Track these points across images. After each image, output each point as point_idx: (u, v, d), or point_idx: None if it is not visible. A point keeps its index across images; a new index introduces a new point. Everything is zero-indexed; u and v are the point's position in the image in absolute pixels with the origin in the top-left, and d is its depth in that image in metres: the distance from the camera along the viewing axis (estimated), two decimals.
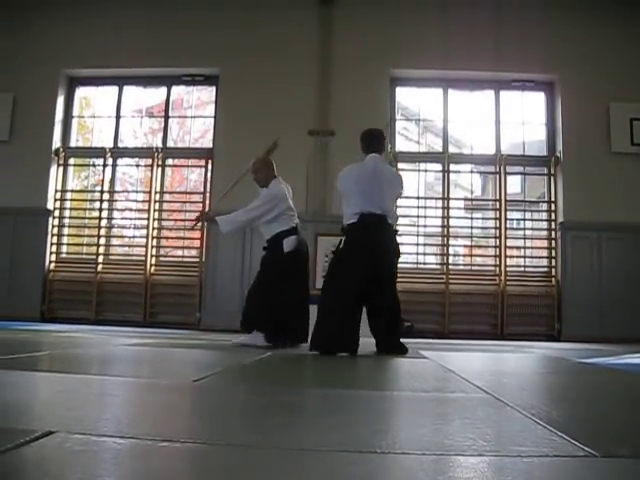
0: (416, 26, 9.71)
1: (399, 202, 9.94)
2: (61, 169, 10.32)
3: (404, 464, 1.37)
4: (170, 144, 10.58)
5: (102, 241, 10.28)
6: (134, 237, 10.54)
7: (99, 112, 10.89)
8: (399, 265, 5.75)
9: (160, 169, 10.27)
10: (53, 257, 10.13)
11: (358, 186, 5.22)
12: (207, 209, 8.96)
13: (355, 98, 9.60)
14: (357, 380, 3.36)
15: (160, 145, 10.39)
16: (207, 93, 10.76)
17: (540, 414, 2.01)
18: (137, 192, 10.83)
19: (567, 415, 2.15)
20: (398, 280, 9.58)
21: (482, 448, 1.50)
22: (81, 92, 10.78)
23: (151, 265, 9.95)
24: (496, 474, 1.30)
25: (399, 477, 1.27)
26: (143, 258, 9.96)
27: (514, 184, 10.56)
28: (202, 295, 9.55)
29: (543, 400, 2.65)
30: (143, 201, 10.41)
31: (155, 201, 10.14)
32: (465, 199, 10.74)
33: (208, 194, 9.99)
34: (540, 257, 10.10)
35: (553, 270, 9.64)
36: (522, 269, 9.95)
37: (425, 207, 10.11)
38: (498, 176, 9.89)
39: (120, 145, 10.62)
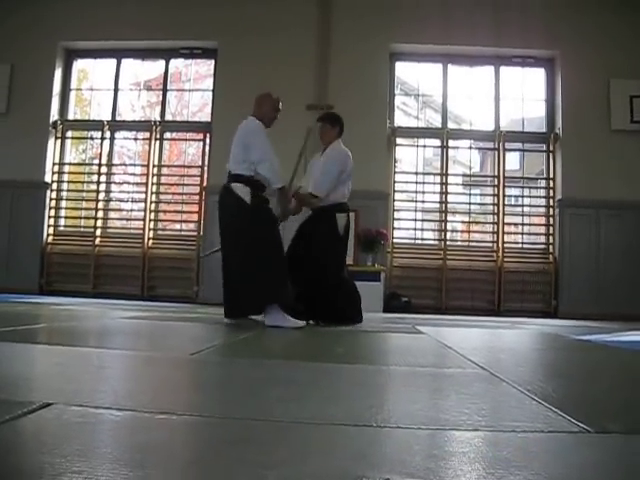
0: (416, 0, 9.63)
1: (398, 177, 9.96)
2: (59, 142, 10.29)
3: (400, 438, 1.38)
4: (168, 117, 10.54)
5: (100, 214, 10.28)
6: (132, 211, 10.53)
7: (97, 85, 10.83)
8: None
9: (158, 142, 10.24)
10: (51, 230, 10.12)
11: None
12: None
13: (354, 73, 9.56)
14: (353, 354, 3.37)
15: (158, 118, 10.35)
16: (205, 66, 10.70)
17: (536, 390, 2.02)
18: (135, 165, 10.80)
19: (562, 391, 2.16)
20: (396, 255, 9.63)
21: (477, 423, 1.52)
22: (79, 64, 10.71)
23: (149, 239, 9.96)
24: (491, 449, 1.31)
25: (395, 451, 1.28)
26: (141, 231, 9.96)
27: (513, 160, 10.54)
28: (200, 269, 9.56)
29: (539, 376, 2.66)
30: (141, 174, 10.39)
31: (153, 175, 10.12)
32: (463, 175, 10.73)
33: (206, 168, 9.98)
34: (538, 234, 10.11)
35: (551, 247, 9.66)
36: (520, 246, 9.96)
37: (423, 183, 10.11)
38: (497, 152, 9.88)
39: (118, 118, 10.57)
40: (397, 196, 9.87)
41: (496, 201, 9.76)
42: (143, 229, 9.95)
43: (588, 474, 1.16)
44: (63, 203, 10.50)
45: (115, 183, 10.73)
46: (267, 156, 5.15)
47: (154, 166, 10.14)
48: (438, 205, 9.96)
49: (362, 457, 1.19)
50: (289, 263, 5.09)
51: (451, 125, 10.26)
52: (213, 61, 10.29)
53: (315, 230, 5.52)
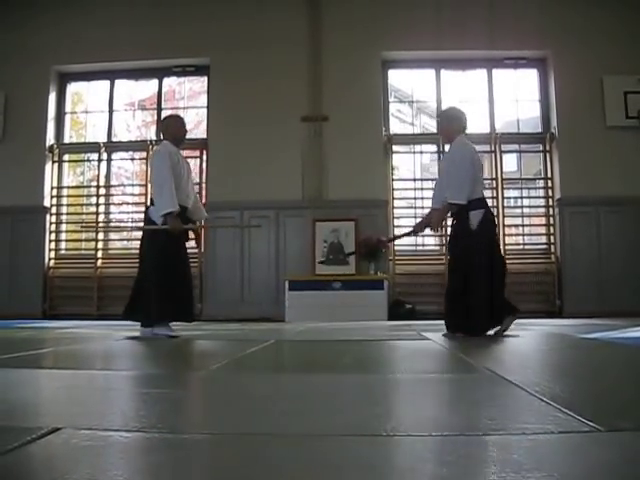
0: (407, 7, 9.66)
1: (396, 185, 9.98)
2: (56, 166, 10.31)
3: (410, 446, 1.37)
4: None
5: (100, 236, 10.28)
6: (132, 231, 10.53)
7: (91, 107, 10.86)
8: None
9: None
10: (52, 254, 10.13)
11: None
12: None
13: (347, 82, 9.60)
14: (360, 364, 3.36)
15: (154, 138, 10.36)
16: (199, 83, 10.74)
17: (544, 391, 2.01)
18: (133, 186, 10.82)
19: (571, 391, 2.15)
20: (398, 262, 9.62)
21: (487, 427, 1.51)
22: (72, 88, 10.75)
23: None
24: (501, 452, 1.30)
25: (405, 459, 1.28)
26: None
27: (510, 162, 10.55)
28: (203, 286, 9.55)
29: (546, 377, 2.65)
30: (140, 194, 10.40)
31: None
32: None
33: (204, 184, 9.99)
34: (539, 234, 10.10)
35: (552, 247, 9.65)
36: (521, 247, 9.96)
37: (422, 189, 10.10)
38: (494, 155, 9.88)
39: (114, 139, 10.60)
40: (396, 203, 9.88)
41: (495, 203, 9.74)
42: None
43: (600, 473, 1.16)
44: (63, 227, 10.51)
45: (114, 204, 10.74)
46: (158, 181, 5.27)
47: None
48: None
49: (373, 467, 1.18)
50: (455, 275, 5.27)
51: None
52: (206, 78, 10.33)
53: (454, 235, 5.40)
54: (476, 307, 4.99)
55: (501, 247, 9.60)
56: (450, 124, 5.45)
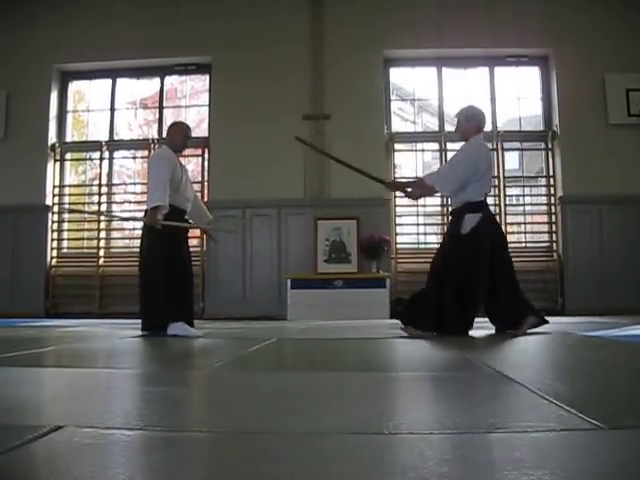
0: (408, 5, 9.65)
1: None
2: (58, 164, 10.31)
3: (412, 444, 1.37)
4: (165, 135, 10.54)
5: (102, 235, 10.29)
6: (134, 229, 10.53)
7: (93, 106, 10.86)
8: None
9: None
10: (54, 253, 10.13)
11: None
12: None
13: (349, 81, 9.59)
14: (361, 362, 3.36)
15: (156, 136, 10.36)
16: (200, 82, 10.73)
17: (546, 389, 2.01)
18: (135, 184, 10.82)
19: (573, 389, 2.15)
20: (400, 260, 9.60)
21: (489, 425, 1.51)
22: (74, 86, 10.75)
23: None
24: (504, 450, 1.30)
25: (407, 457, 1.28)
26: None
27: (512, 160, 10.54)
28: (205, 284, 9.55)
29: (549, 375, 2.65)
30: (142, 193, 10.40)
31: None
32: None
33: (206, 183, 9.99)
34: (541, 232, 10.09)
35: (554, 245, 9.64)
36: (523, 245, 9.95)
37: None
38: (495, 153, 9.87)
39: (116, 138, 10.60)
40: (398, 201, 9.86)
41: (497, 201, 9.74)
42: None
43: (603, 471, 1.16)
44: (65, 225, 10.51)
45: (116, 203, 10.73)
46: (154, 180, 5.31)
47: None
48: (440, 208, 9.96)
49: (375, 465, 1.18)
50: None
51: (448, 128, 10.25)
52: (208, 76, 10.33)
53: (446, 234, 5.43)
54: (447, 308, 5.06)
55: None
56: (468, 123, 5.31)
